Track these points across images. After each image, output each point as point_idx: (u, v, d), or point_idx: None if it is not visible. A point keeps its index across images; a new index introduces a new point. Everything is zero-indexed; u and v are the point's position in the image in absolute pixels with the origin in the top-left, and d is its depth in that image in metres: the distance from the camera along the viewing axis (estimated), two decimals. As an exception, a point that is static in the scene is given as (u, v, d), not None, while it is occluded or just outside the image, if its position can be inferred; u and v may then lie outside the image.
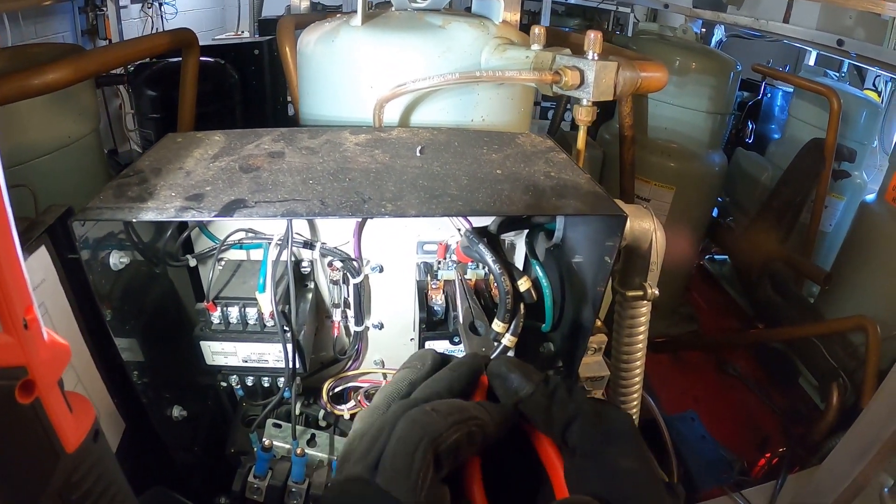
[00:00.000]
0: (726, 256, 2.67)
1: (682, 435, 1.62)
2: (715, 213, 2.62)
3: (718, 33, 2.49)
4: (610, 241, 0.72)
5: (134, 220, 0.68)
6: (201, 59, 1.58)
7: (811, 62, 2.71)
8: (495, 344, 0.79)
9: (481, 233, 0.79)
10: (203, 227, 0.91)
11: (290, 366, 0.86)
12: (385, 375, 1.02)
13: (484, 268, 0.87)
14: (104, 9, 3.20)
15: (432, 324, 0.82)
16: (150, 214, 0.67)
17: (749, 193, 2.46)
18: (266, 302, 0.81)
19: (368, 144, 0.84)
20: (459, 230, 0.84)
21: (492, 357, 0.77)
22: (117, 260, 0.76)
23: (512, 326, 0.78)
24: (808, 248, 2.25)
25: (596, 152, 1.97)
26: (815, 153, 2.13)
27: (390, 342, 1.02)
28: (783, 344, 2.23)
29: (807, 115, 2.36)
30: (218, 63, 1.95)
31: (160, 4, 4.14)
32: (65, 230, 0.80)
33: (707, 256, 2.74)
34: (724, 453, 1.72)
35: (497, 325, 0.78)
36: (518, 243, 0.92)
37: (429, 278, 0.86)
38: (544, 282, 0.83)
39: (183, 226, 0.89)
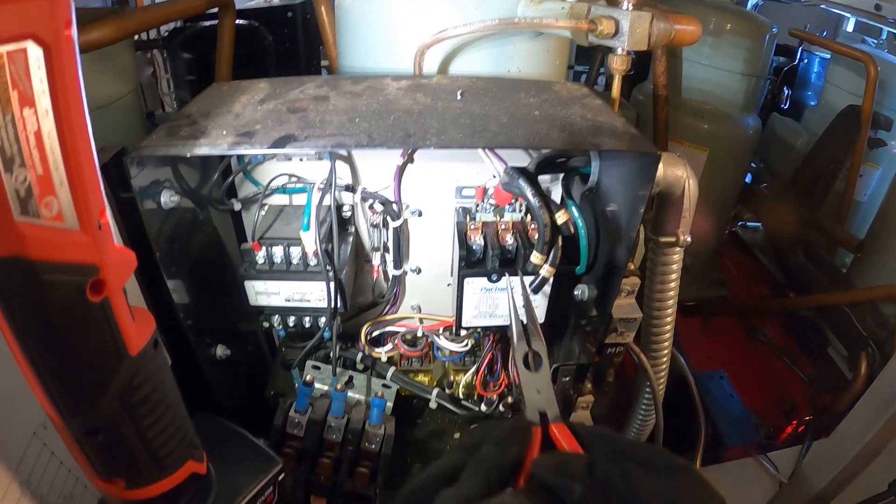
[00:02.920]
0: (759, 224, 2.65)
1: (710, 392, 1.64)
2: (748, 179, 2.59)
3: (754, -3, 2.45)
4: (643, 181, 0.74)
5: (189, 155, 0.71)
6: (239, 22, 1.60)
7: (849, 29, 2.64)
8: (533, 277, 0.82)
9: (519, 171, 0.81)
10: (247, 172, 0.94)
11: (332, 304, 0.89)
12: (421, 321, 1.05)
13: (520, 210, 0.89)
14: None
15: (471, 262, 0.84)
16: (203, 149, 0.70)
17: (783, 159, 2.43)
18: (310, 240, 0.84)
19: (410, 89, 0.86)
20: (495, 177, 0.87)
21: (531, 288, 0.80)
22: (168, 199, 0.80)
23: (550, 258, 0.80)
24: (842, 217, 2.22)
25: (629, 113, 1.96)
26: (851, 120, 2.09)
27: (427, 287, 1.05)
28: (813, 312, 2.22)
29: (843, 82, 2.31)
30: (252, 25, 1.97)
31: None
32: (118, 170, 0.83)
33: (739, 223, 2.71)
34: (751, 417, 1.73)
35: (535, 257, 0.80)
36: (554, 190, 0.94)
37: (468, 219, 0.88)
38: (580, 223, 0.84)
39: (227, 171, 0.93)
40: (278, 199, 0.97)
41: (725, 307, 2.30)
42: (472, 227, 0.86)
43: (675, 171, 0.86)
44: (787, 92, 2.62)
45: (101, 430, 0.47)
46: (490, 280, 0.83)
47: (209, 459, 0.61)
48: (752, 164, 2.59)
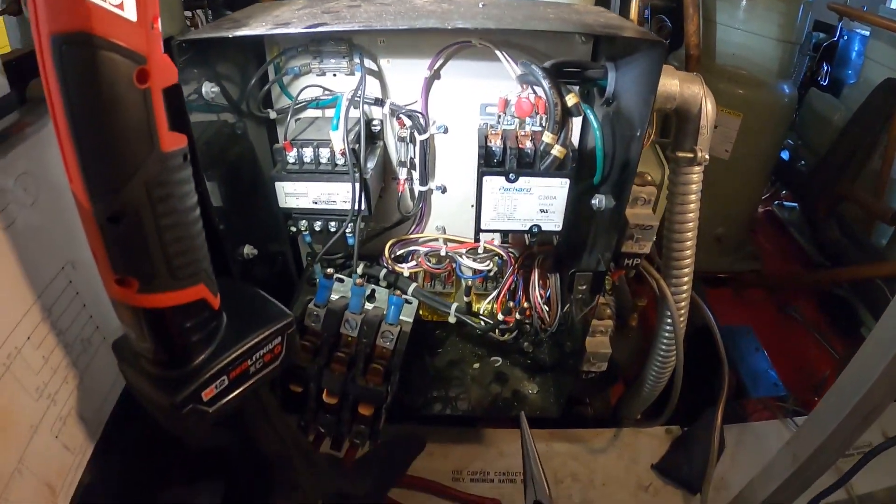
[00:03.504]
0: (795, 204, 2.61)
1: (735, 344, 1.63)
2: (786, 156, 2.55)
3: (793, -31, 2.42)
4: (653, 76, 0.76)
5: (231, 36, 0.76)
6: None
7: (892, 4, 2.59)
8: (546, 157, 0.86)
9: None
10: (283, 85, 1.00)
11: (356, 205, 0.94)
12: (446, 242, 1.09)
13: (541, 123, 0.92)
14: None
15: (491, 162, 0.87)
16: (244, 31, 0.76)
17: (820, 134, 2.39)
18: (338, 139, 0.89)
19: (436, 1, 0.90)
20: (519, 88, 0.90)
21: (542, 167, 0.84)
22: (209, 90, 0.86)
23: (560, 138, 0.83)
24: (879, 192, 2.17)
25: (662, 79, 1.96)
26: (889, 92, 2.05)
27: (452, 208, 1.09)
28: (847, 290, 2.18)
29: (883, 58, 2.27)
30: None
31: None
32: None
33: (776, 202, 2.68)
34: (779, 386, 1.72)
35: (547, 136, 0.83)
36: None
37: (488, 125, 0.92)
38: (597, 132, 0.87)
39: (264, 80, 0.98)
40: (311, 113, 1.02)
41: (758, 280, 2.27)
42: (493, 132, 0.89)
43: (692, 88, 0.88)
44: (826, 68, 2.57)
45: (123, 217, 0.51)
46: (508, 179, 0.86)
47: (222, 307, 0.65)
48: (790, 141, 2.56)
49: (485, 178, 0.86)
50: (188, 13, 2.37)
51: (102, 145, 0.49)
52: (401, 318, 0.98)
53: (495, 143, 0.87)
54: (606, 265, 0.94)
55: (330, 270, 1.00)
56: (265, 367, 0.67)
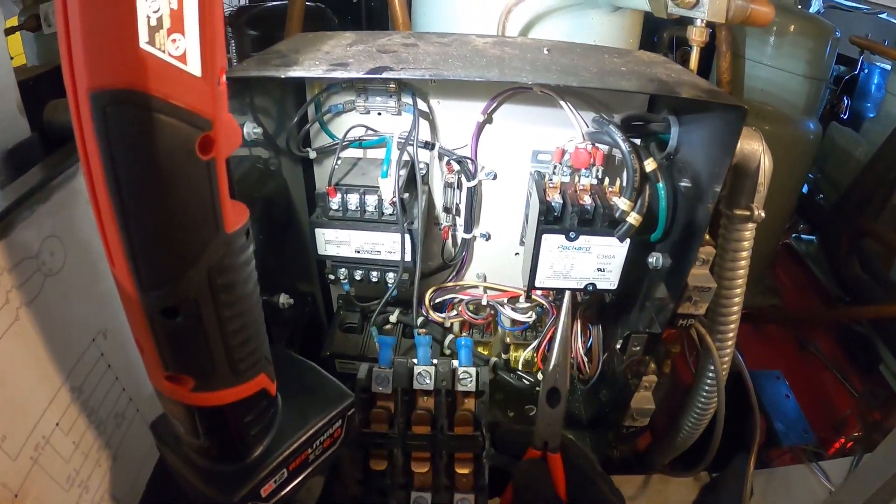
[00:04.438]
0: (814, 237, 2.59)
1: (766, 391, 1.60)
2: (805, 189, 2.53)
3: (816, 3, 2.40)
4: (726, 141, 0.73)
5: (283, 76, 0.71)
6: (306, 3, 1.62)
7: (915, 39, 2.59)
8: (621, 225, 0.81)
9: (607, 121, 0.80)
10: (323, 123, 0.95)
11: (412, 251, 0.89)
12: (486, 290, 1.05)
13: (597, 175, 0.88)
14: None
15: (550, 219, 0.83)
16: (298, 72, 0.71)
17: (841, 169, 2.37)
18: (388, 188, 0.85)
19: (496, 44, 0.86)
20: (572, 140, 0.86)
21: (617, 234, 0.79)
22: (250, 130, 0.81)
23: (638, 205, 0.79)
24: (902, 229, 2.16)
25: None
26: (913, 130, 2.05)
27: (495, 255, 1.05)
28: (867, 327, 2.16)
29: (905, 93, 2.26)
30: (318, 7, 2.01)
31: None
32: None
33: (794, 235, 2.65)
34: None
35: (623, 203, 0.79)
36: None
37: (545, 179, 0.88)
38: (662, 191, 0.83)
39: (304, 119, 0.93)
40: (352, 153, 0.98)
41: (777, 315, 2.24)
42: (551, 185, 0.85)
43: (752, 144, 0.84)
44: (846, 102, 2.56)
45: (180, 310, 0.43)
46: (568, 238, 0.82)
47: (278, 387, 0.59)
48: (810, 175, 2.54)
49: (544, 237, 0.82)
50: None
51: (156, 231, 0.40)
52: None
53: (554, 199, 0.83)
54: (662, 327, 0.90)
55: (388, 326, 0.94)
56: (324, 452, 0.62)
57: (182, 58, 0.36)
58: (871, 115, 2.46)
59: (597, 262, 0.84)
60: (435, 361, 0.84)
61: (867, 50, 2.40)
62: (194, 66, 0.37)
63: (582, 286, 0.87)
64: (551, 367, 0.81)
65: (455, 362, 0.85)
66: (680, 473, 1.39)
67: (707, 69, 2.06)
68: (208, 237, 0.43)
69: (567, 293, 0.87)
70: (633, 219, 0.79)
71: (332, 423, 0.62)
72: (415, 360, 0.85)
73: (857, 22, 2.54)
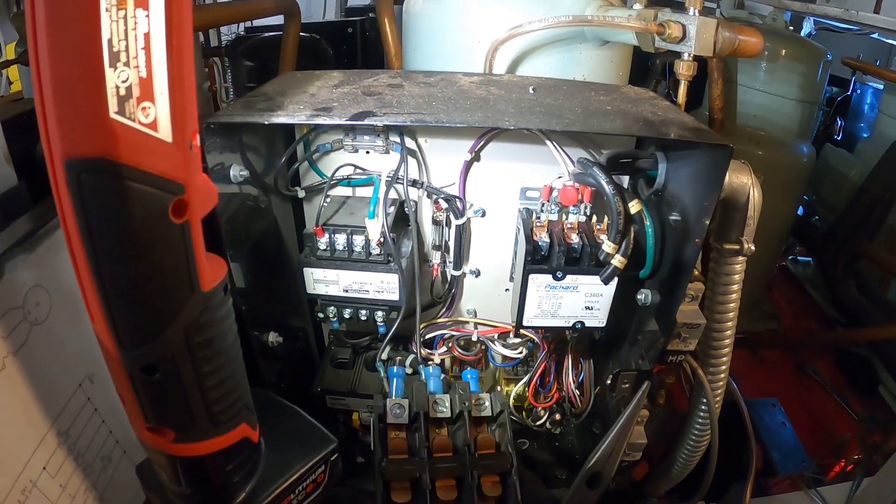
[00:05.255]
0: (810, 259, 2.59)
1: (762, 419, 1.59)
2: (800, 211, 2.54)
3: (807, 26, 2.42)
4: (713, 178, 0.74)
5: (267, 122, 0.72)
6: (301, 34, 1.64)
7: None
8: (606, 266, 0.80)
9: (592, 162, 0.80)
10: (312, 162, 0.96)
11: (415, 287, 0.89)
12: (476, 326, 1.05)
13: (585, 212, 0.88)
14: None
15: (537, 258, 0.83)
16: (281, 118, 0.72)
17: (836, 190, 2.38)
18: (375, 229, 0.85)
19: (482, 83, 0.87)
20: (560, 177, 0.86)
21: (602, 277, 0.78)
22: (237, 172, 0.81)
23: (622, 248, 0.79)
24: (896, 249, 2.16)
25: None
26: (906, 150, 2.05)
27: (485, 291, 1.05)
28: (865, 349, 2.15)
29: (898, 112, 2.27)
30: (313, 38, 2.03)
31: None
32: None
33: (790, 257, 2.65)
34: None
35: (607, 246, 0.78)
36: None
37: (533, 217, 0.88)
38: (649, 228, 0.83)
39: (292, 159, 0.94)
40: (341, 191, 0.98)
41: (775, 340, 2.23)
42: (538, 224, 0.85)
43: (740, 178, 0.85)
44: (839, 123, 2.57)
45: (159, 367, 0.44)
46: (555, 278, 0.82)
47: (261, 432, 0.60)
48: (805, 197, 2.54)
49: (531, 276, 0.82)
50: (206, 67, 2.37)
51: (131, 292, 0.41)
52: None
53: (542, 238, 0.83)
54: (652, 364, 0.89)
55: (399, 359, 0.93)
56: (307, 497, 0.62)
57: (153, 125, 0.37)
58: (865, 136, 2.47)
59: (584, 300, 0.84)
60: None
61: (859, 70, 2.42)
62: (165, 133, 0.38)
63: (570, 324, 0.87)
64: (601, 452, 0.81)
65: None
66: (667, 501, 1.37)
67: (699, 96, 2.07)
68: (184, 297, 0.44)
69: (644, 386, 0.88)
70: (618, 261, 0.79)
71: (314, 469, 0.63)
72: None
73: (848, 43, 2.56)
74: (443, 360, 1.06)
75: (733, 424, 1.31)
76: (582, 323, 0.87)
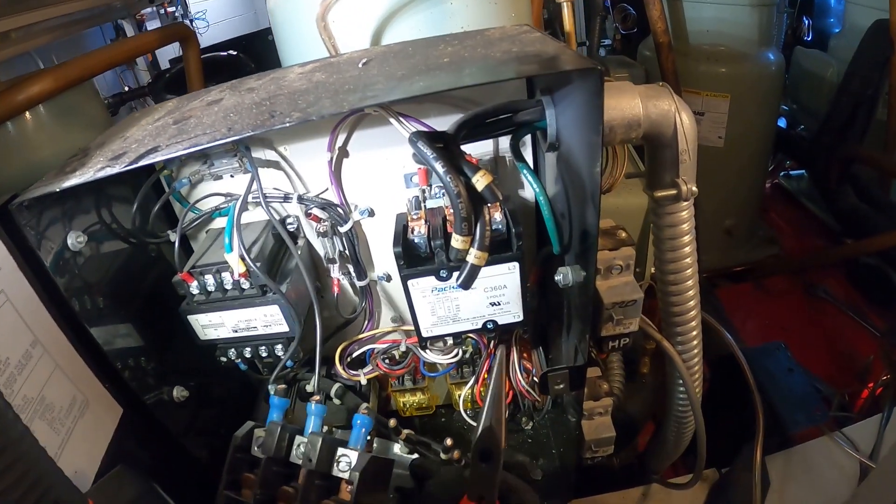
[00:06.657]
0: (803, 171, 2.42)
1: (766, 369, 1.44)
2: (783, 123, 2.36)
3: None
4: (592, 112, 0.57)
5: (58, 189, 0.63)
6: (217, 54, 1.57)
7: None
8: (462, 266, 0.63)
9: (436, 137, 0.61)
10: (180, 198, 0.86)
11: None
12: (406, 334, 0.94)
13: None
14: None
15: (413, 260, 0.71)
16: (71, 181, 0.64)
17: (815, 95, 2.20)
18: (235, 261, 0.74)
19: (313, 70, 0.76)
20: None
21: (459, 283, 0.65)
22: (74, 240, 0.73)
23: (477, 238, 0.60)
24: (890, 146, 1.98)
25: (637, 71, 1.78)
26: (880, 36, 1.86)
27: (402, 295, 0.93)
28: (876, 258, 1.99)
29: (866, -2, 2.08)
30: (231, 56, 1.95)
31: (191, 21, 4.16)
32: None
33: (782, 173, 2.49)
34: (820, 386, 1.53)
35: (456, 241, 0.60)
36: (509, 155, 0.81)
37: (410, 209, 0.76)
38: (538, 192, 0.71)
39: (155, 200, 0.84)
40: (221, 223, 0.87)
41: (778, 265, 2.08)
42: (415, 216, 0.73)
43: (659, 105, 0.68)
44: (807, 22, 2.39)
45: None
46: (439, 278, 0.70)
47: None
48: (784, 107, 2.37)
49: (410, 283, 0.70)
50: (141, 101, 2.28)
51: None
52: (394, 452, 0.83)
53: (418, 232, 0.71)
54: (585, 356, 0.76)
55: (282, 387, 0.81)
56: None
57: None
58: (836, 31, 2.28)
59: (487, 296, 0.72)
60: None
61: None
62: None
63: (479, 326, 0.75)
64: (481, 428, 0.69)
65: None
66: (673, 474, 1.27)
67: (647, 23, 1.92)
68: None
69: (499, 352, 0.76)
70: (475, 258, 0.60)
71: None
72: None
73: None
74: (372, 380, 0.95)
75: (733, 380, 1.19)
76: (494, 322, 0.75)
